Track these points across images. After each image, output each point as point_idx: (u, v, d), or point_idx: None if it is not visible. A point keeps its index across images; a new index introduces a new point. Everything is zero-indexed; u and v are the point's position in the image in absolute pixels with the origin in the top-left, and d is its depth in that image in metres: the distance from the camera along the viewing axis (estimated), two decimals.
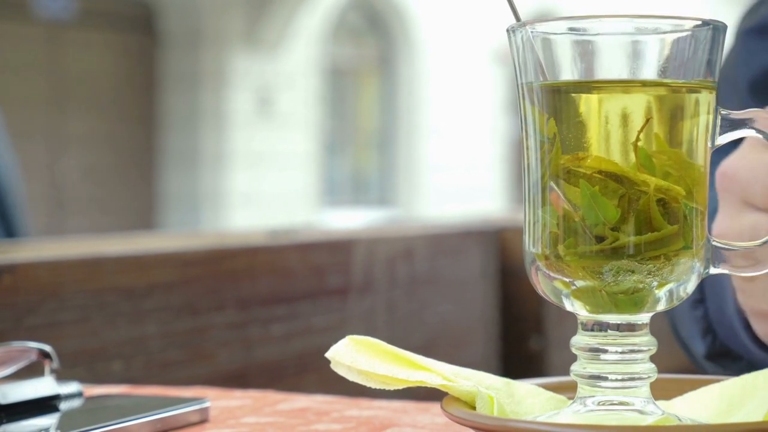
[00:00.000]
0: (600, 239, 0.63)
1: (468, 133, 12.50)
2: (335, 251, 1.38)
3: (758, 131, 0.65)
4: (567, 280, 0.64)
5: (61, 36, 9.87)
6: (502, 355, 1.61)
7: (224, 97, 10.46)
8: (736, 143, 0.75)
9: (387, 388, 0.66)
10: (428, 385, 0.66)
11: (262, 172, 10.69)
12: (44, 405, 0.78)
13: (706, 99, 0.65)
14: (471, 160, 12.54)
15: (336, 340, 0.68)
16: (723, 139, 0.65)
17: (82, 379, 0.87)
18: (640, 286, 0.63)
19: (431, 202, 12.01)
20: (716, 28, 0.64)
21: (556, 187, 0.64)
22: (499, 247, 1.61)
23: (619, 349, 0.64)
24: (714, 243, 0.66)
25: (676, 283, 0.64)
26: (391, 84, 12.25)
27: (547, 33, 0.64)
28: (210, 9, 10.43)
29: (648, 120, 0.63)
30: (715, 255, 0.66)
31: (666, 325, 1.03)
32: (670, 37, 0.63)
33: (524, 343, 1.60)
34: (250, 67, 10.62)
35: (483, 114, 12.63)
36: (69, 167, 9.88)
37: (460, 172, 12.39)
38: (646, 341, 0.65)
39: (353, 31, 12.12)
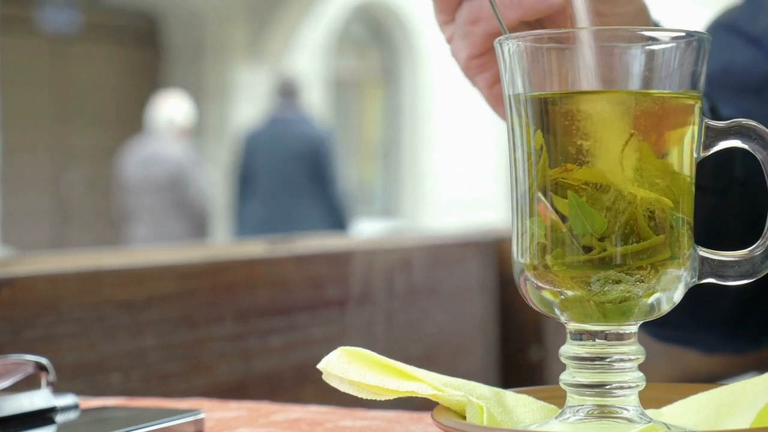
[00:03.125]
0: (587, 249, 0.64)
1: (472, 144, 12.50)
2: (333, 263, 1.39)
3: (743, 141, 0.65)
4: (555, 290, 0.65)
5: (65, 50, 9.89)
6: (501, 366, 1.61)
7: (228, 109, 10.47)
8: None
9: (378, 398, 0.67)
10: (419, 395, 0.66)
11: None
12: (40, 418, 0.79)
13: (692, 110, 0.65)
14: (475, 171, 12.53)
15: None
16: (708, 150, 0.66)
17: (81, 392, 0.88)
18: (627, 295, 0.64)
19: (436, 213, 12.00)
20: (701, 40, 0.65)
21: (543, 198, 0.65)
22: (497, 257, 1.62)
23: (608, 358, 0.65)
24: (701, 253, 0.66)
25: (663, 293, 0.64)
26: (395, 95, 12.26)
27: (534, 45, 0.65)
28: (213, 22, 10.46)
29: (634, 131, 0.64)
30: (702, 264, 0.66)
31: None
32: (656, 48, 0.64)
33: (524, 353, 1.61)
34: (254, 79, 10.64)
35: (487, 125, 12.63)
36: (73, 180, 9.89)
37: (464, 182, 12.39)
38: (634, 350, 0.65)
39: (357, 43, 12.14)
